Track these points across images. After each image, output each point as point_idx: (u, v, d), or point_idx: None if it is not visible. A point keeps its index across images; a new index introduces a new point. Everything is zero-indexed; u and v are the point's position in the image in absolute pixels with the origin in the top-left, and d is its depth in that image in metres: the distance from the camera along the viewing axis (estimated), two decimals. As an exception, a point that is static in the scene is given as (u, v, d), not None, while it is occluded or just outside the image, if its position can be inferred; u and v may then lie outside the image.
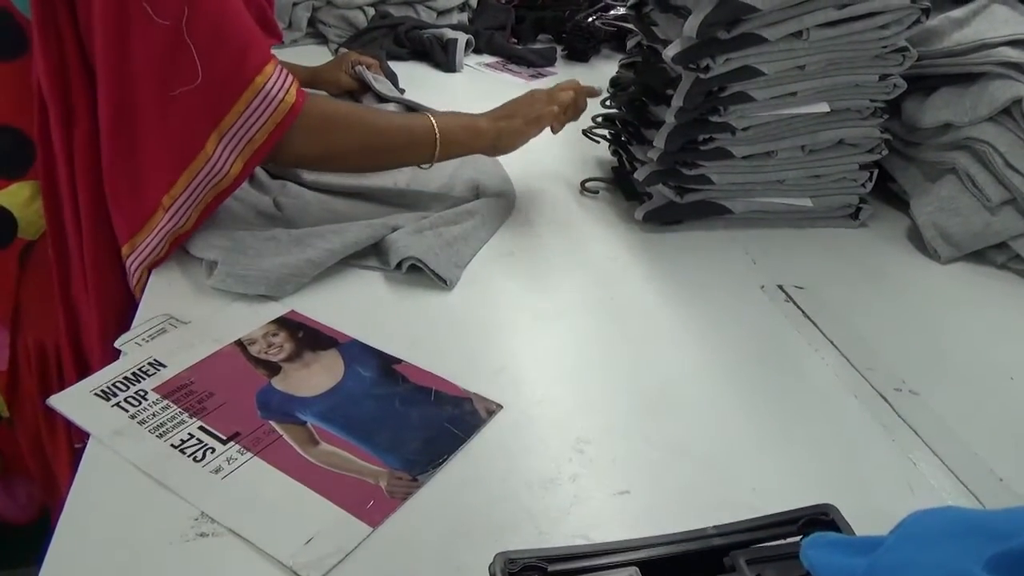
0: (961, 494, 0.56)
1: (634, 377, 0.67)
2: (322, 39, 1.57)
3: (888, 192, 0.99)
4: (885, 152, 0.91)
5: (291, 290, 0.73)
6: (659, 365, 0.69)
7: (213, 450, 0.55)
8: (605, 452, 0.58)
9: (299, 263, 0.74)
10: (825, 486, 0.56)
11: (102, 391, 0.60)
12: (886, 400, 0.65)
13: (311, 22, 1.56)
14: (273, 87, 0.72)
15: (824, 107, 0.86)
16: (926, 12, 0.83)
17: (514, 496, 0.54)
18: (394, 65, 1.37)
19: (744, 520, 0.48)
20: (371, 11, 1.57)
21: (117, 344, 0.66)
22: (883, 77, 0.86)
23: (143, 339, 0.67)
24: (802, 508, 0.48)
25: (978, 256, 0.88)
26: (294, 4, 1.53)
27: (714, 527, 0.48)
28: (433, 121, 0.83)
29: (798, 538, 0.47)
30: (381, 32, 1.53)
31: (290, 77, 0.74)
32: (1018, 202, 0.85)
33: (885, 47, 0.84)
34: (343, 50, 1.43)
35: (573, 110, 0.92)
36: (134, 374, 0.62)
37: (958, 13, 0.92)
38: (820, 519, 0.47)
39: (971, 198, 0.87)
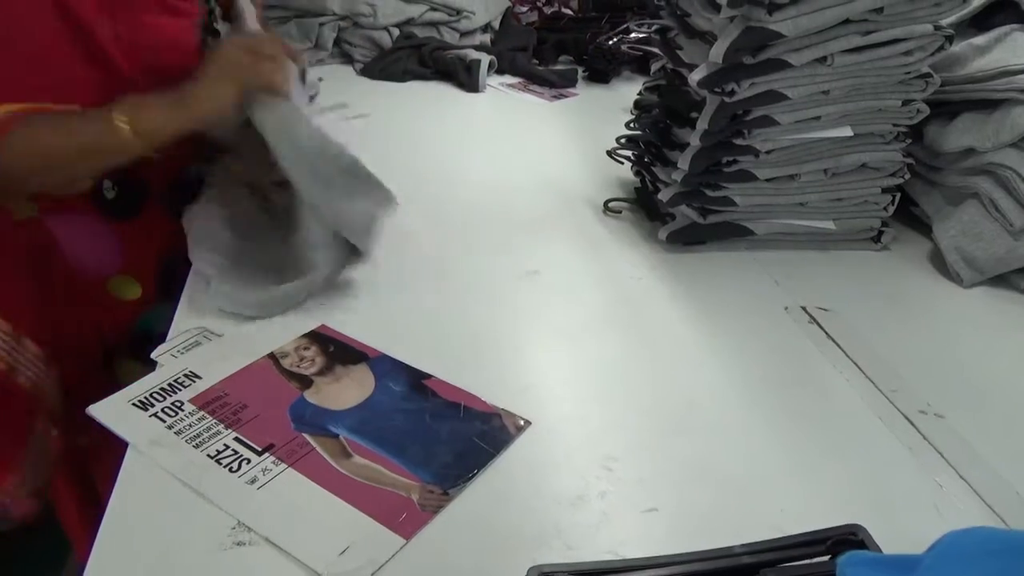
0: (988, 517, 0.56)
1: (659, 396, 0.68)
2: (348, 59, 1.60)
3: (910, 216, 1.00)
4: (907, 176, 0.92)
5: (279, 311, 0.75)
6: (684, 384, 0.69)
7: (248, 461, 0.57)
8: (632, 470, 0.59)
9: (275, 297, 0.75)
10: (851, 507, 0.56)
11: (140, 401, 0.62)
12: (911, 423, 0.65)
13: (337, 42, 1.59)
14: None
15: (847, 131, 0.87)
16: (949, 39, 0.84)
17: (543, 512, 0.55)
18: (418, 85, 1.40)
19: (772, 539, 0.49)
20: (396, 32, 1.59)
21: (153, 355, 0.68)
22: (906, 102, 0.87)
23: (178, 351, 0.68)
24: (831, 528, 0.48)
25: (1001, 280, 0.89)
26: (320, 24, 1.56)
27: (742, 545, 0.48)
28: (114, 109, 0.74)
29: (826, 558, 0.47)
30: (405, 52, 1.55)
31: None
32: (1041, 227, 0.85)
33: (908, 73, 0.85)
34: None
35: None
36: (170, 385, 0.64)
37: (981, 40, 0.93)
38: (849, 539, 0.48)
39: (994, 223, 0.88)
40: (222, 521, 0.52)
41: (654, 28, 0.98)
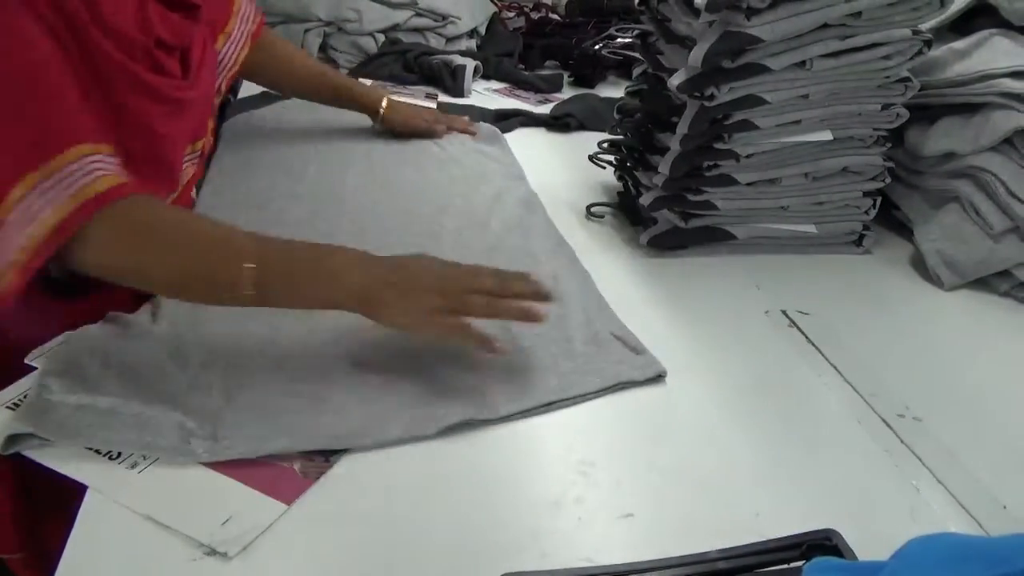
0: (964, 521, 0.56)
1: (638, 401, 0.67)
2: (333, 65, 1.59)
3: (892, 219, 1.00)
4: (888, 180, 0.92)
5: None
6: (663, 389, 0.69)
7: (127, 448, 0.57)
8: (609, 475, 0.58)
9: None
10: (828, 511, 0.56)
11: (13, 404, 0.61)
12: (889, 426, 0.65)
13: (322, 47, 1.58)
14: (77, 171, 0.60)
15: (827, 135, 0.87)
16: (928, 43, 0.84)
17: (518, 518, 0.54)
18: (403, 89, 1.40)
19: (747, 544, 0.48)
20: (381, 37, 1.59)
21: (27, 360, 0.66)
22: (886, 106, 0.87)
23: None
24: (805, 533, 0.48)
25: (981, 284, 0.89)
26: (305, 31, 1.55)
27: (718, 551, 0.48)
28: (255, 245, 0.62)
29: (801, 563, 0.47)
30: (391, 58, 1.55)
31: (112, 168, 0.63)
32: (1021, 230, 0.85)
33: (888, 77, 0.85)
34: (375, 83, 1.45)
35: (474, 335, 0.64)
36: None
37: (960, 44, 0.93)
38: (823, 544, 0.48)
39: (974, 226, 0.88)
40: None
41: (635, 33, 0.98)
